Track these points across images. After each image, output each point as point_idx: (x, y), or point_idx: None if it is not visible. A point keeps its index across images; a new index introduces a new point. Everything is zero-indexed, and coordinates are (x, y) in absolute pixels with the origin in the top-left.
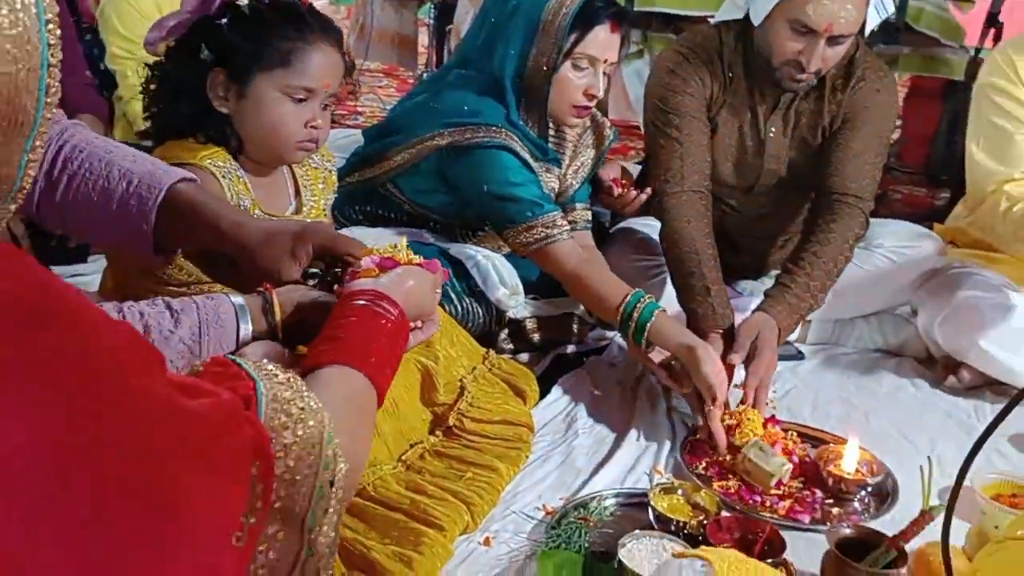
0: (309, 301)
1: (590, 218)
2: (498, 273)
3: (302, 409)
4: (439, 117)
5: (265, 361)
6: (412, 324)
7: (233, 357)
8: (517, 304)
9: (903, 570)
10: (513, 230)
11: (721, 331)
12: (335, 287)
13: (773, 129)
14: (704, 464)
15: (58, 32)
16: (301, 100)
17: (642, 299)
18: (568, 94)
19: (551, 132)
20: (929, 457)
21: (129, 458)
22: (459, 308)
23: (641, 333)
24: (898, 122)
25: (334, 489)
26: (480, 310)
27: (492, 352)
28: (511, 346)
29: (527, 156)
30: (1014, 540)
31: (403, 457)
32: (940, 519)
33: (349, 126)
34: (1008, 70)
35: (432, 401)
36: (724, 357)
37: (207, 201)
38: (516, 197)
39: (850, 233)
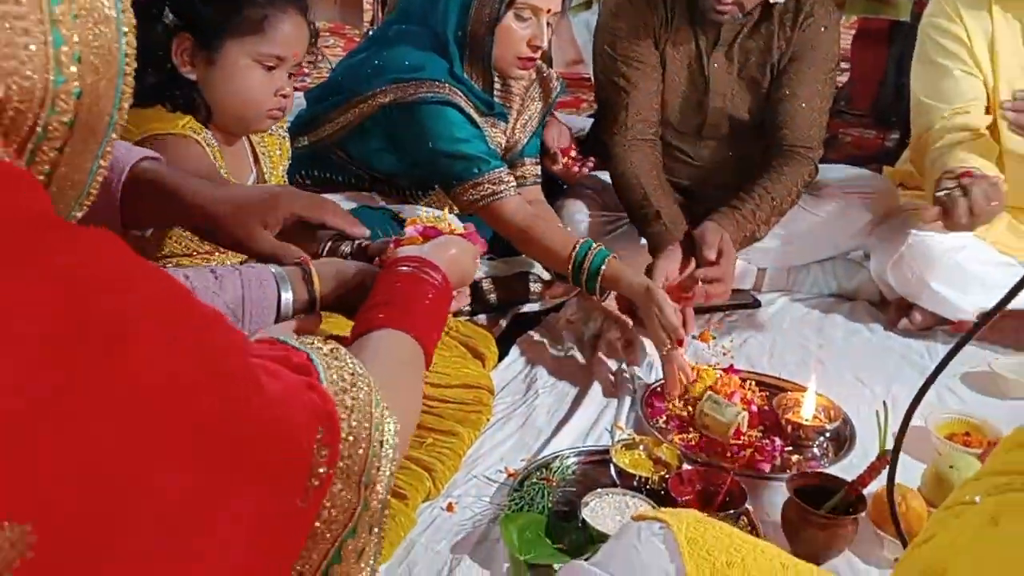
0: (350, 273)
1: (539, 173)
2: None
3: (352, 374)
4: (381, 75)
5: (305, 336)
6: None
7: (280, 336)
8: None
9: (862, 514)
10: (460, 187)
11: (678, 242)
12: (376, 258)
13: (716, 64)
14: (664, 418)
15: (134, 41)
16: (271, 68)
17: (592, 247)
18: (512, 45)
19: (497, 86)
20: (884, 402)
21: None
22: None
23: (594, 280)
24: (846, 65)
25: (384, 449)
26: None
27: (449, 315)
28: (468, 308)
29: (472, 111)
30: (964, 506)
31: None
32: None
33: (296, 88)
34: (948, 8)
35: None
36: (686, 263)
37: (171, 177)
38: (462, 154)
39: (799, 179)
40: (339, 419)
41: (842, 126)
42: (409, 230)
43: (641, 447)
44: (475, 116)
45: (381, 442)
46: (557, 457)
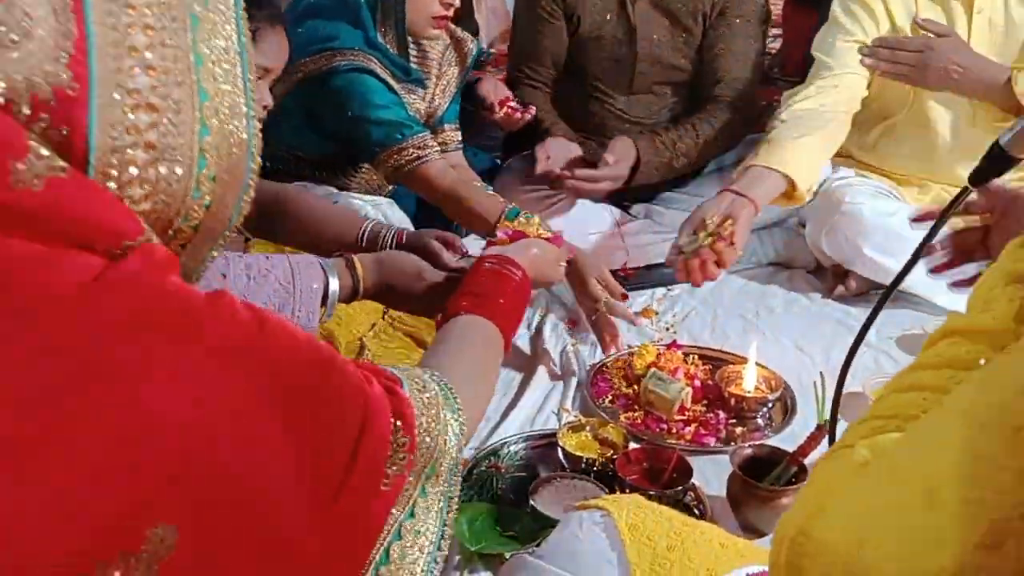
0: (393, 264)
1: (460, 139)
2: (388, 220)
3: (421, 378)
4: (294, 49)
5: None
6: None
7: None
8: None
9: (804, 484)
10: (384, 154)
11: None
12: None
13: (641, 10)
14: (610, 397)
15: (259, 160)
16: (257, 79)
17: (521, 213)
18: (425, 6)
19: (413, 52)
20: (821, 373)
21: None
22: None
23: None
24: (777, 31)
25: (448, 447)
26: None
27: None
28: None
29: (389, 78)
30: (844, 449)
31: None
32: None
33: None
34: None
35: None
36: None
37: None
38: (382, 120)
39: (731, 128)
40: (416, 415)
41: (776, 93)
42: (499, 234)
43: (587, 428)
44: (392, 83)
45: (446, 440)
46: (505, 444)
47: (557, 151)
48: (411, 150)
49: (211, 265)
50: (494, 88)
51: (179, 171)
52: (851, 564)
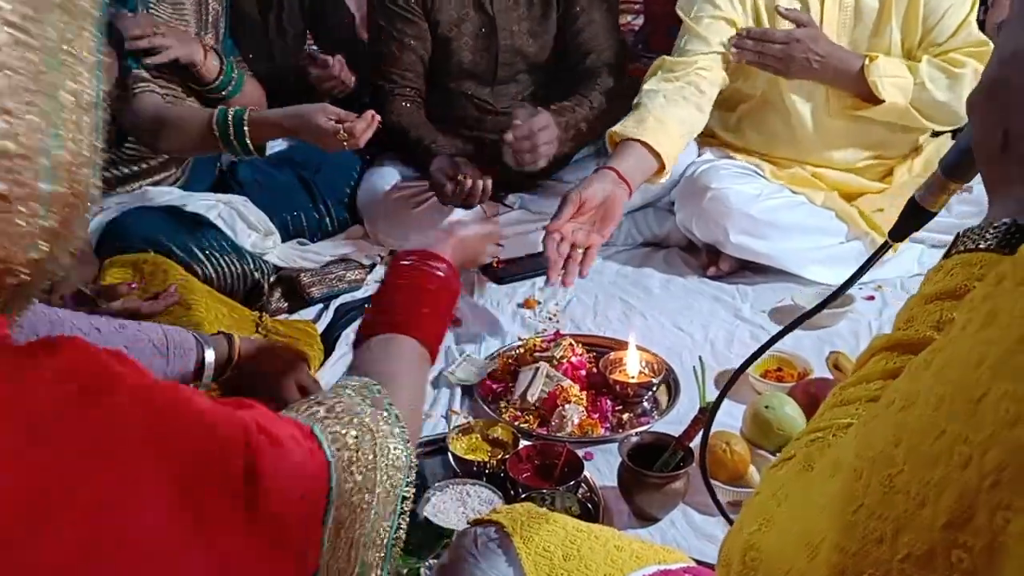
0: (264, 347)
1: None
2: (244, 219)
3: (349, 420)
4: None
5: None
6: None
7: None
8: (275, 246)
9: (692, 467)
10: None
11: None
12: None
13: (498, 4)
14: (497, 394)
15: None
16: None
17: (229, 110)
18: None
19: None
20: (700, 357)
21: None
22: (213, 270)
23: (242, 134)
24: (638, 5)
25: (389, 469)
26: (237, 265)
27: (265, 315)
28: (285, 305)
29: None
30: (784, 461)
31: None
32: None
33: None
34: None
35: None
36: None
37: None
38: None
39: (618, 93)
40: (340, 479)
41: (641, 72)
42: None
43: (476, 430)
44: None
45: (386, 465)
46: None
47: (443, 164)
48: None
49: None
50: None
51: (20, 222)
52: (804, 571)
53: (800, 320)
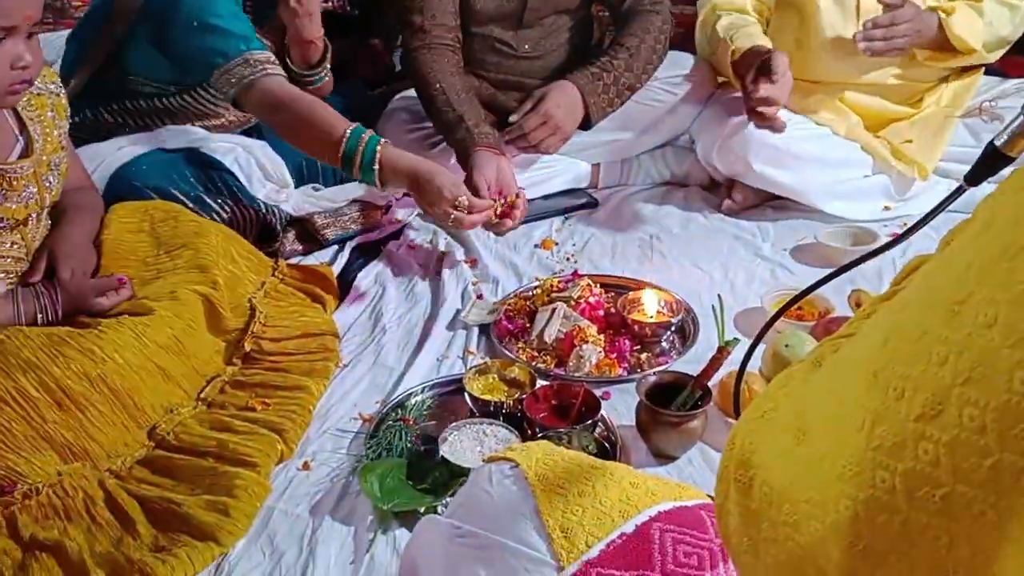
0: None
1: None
2: (261, 167)
3: None
4: None
5: None
6: None
7: None
8: (288, 198)
9: (709, 406)
10: (225, 68)
11: (488, 146)
12: None
13: None
14: (515, 334)
15: None
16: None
17: (364, 133)
18: None
19: None
20: (719, 295)
21: None
22: (226, 215)
23: (370, 167)
24: None
25: None
26: (250, 213)
27: (281, 262)
28: (300, 247)
29: None
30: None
31: (202, 395)
32: (738, 351)
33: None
34: None
35: (222, 329)
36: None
37: None
38: (224, 29)
39: (655, 30)
40: None
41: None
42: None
43: (494, 371)
44: None
45: None
46: (412, 394)
47: (487, 175)
48: (255, 63)
49: None
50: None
51: None
52: (792, 455)
53: (853, 264)
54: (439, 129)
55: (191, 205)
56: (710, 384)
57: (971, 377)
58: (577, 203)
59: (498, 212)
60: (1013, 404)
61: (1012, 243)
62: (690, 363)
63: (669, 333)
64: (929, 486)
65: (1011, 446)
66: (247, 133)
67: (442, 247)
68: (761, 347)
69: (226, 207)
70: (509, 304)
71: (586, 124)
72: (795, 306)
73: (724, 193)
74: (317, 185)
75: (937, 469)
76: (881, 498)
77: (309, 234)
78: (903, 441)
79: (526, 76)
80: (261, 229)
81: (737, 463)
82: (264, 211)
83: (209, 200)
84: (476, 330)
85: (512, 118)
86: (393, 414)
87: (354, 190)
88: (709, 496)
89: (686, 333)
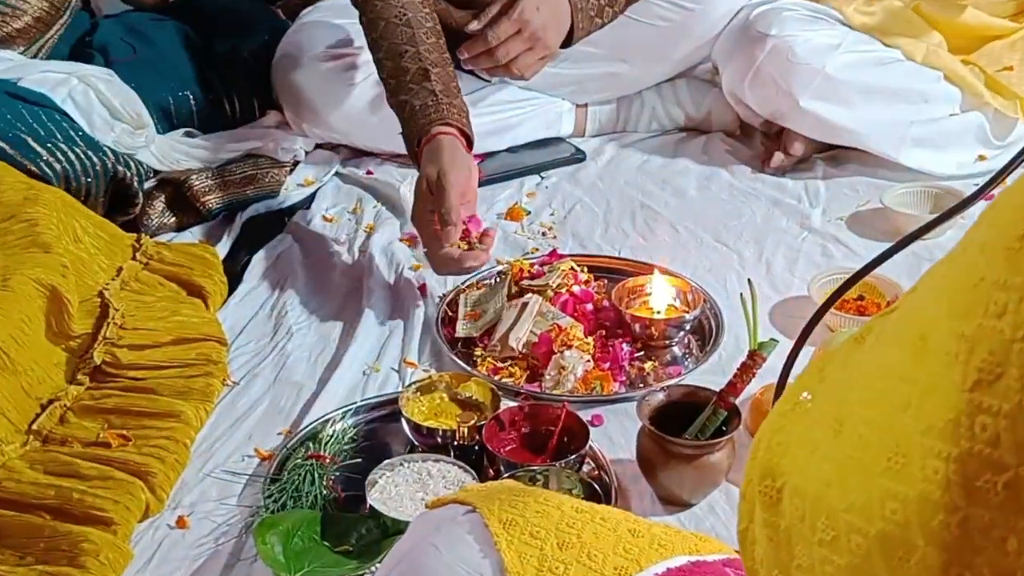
0: None
1: None
2: (105, 102)
3: None
4: None
5: None
6: None
7: None
8: (149, 142)
9: (737, 432)
10: None
11: (453, 128)
12: None
13: None
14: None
15: None
16: None
17: None
18: None
19: None
20: (750, 281)
21: None
22: (59, 168)
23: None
24: None
25: None
26: (93, 159)
27: (145, 237)
28: (171, 219)
29: None
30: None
31: (34, 426)
32: (776, 357)
33: None
34: None
35: (64, 333)
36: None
37: None
38: None
39: None
40: None
41: None
42: None
43: (442, 387)
44: None
45: None
46: (328, 421)
47: (459, 181)
48: None
49: None
50: None
51: None
52: (829, 451)
53: (928, 228)
54: (385, 76)
55: (12, 154)
56: (737, 402)
57: None
58: (558, 158)
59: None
60: None
61: None
62: (711, 374)
63: (683, 334)
64: (990, 472)
65: None
66: (81, 57)
67: (369, 220)
68: (808, 351)
69: (59, 157)
70: (466, 298)
71: (568, 40)
72: (852, 294)
73: (768, 143)
74: (192, 131)
75: (998, 449)
76: (934, 495)
77: (184, 201)
78: (957, 418)
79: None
80: (113, 192)
81: (762, 472)
82: (115, 161)
83: (38, 147)
84: (417, 330)
85: (471, 26)
86: (302, 449)
87: (245, 139)
88: (736, 551)
89: (706, 334)
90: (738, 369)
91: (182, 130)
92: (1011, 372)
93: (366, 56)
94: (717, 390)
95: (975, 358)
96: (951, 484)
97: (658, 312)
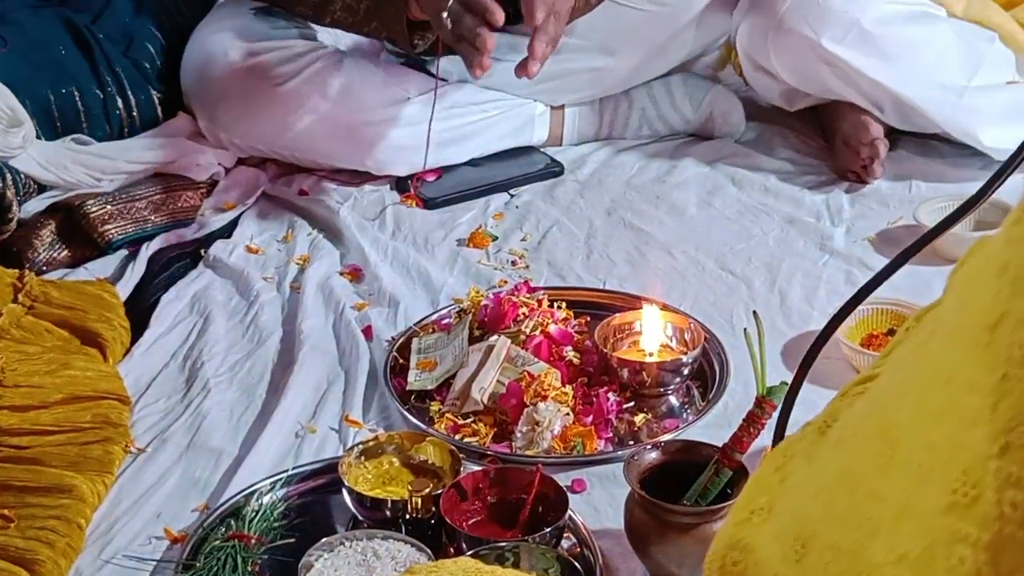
0: None
1: None
2: None
3: None
4: None
5: None
6: None
7: None
8: (26, 143)
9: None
10: None
11: None
12: None
13: None
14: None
15: None
16: None
17: None
18: None
19: None
20: (755, 313)
21: None
22: None
23: None
24: None
25: None
26: None
27: (30, 274)
28: (66, 253)
29: None
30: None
31: None
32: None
33: None
34: None
35: None
36: None
37: None
38: None
39: None
40: None
41: None
42: None
43: (391, 449)
44: None
45: None
46: (253, 494)
47: None
48: None
49: None
50: None
51: None
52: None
53: (912, 251)
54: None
55: None
56: (744, 459)
57: None
58: (530, 172)
59: None
60: None
61: None
62: (716, 427)
63: (680, 380)
64: None
65: None
66: None
67: (303, 250)
68: (830, 394)
69: None
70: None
71: None
72: (882, 327)
73: (851, 155)
74: (83, 138)
75: None
76: (1016, 534)
77: (79, 231)
78: (932, 547)
79: None
80: None
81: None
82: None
83: None
84: (361, 381)
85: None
86: (222, 529)
87: (150, 150)
88: None
89: (708, 379)
90: (744, 420)
91: (70, 137)
92: (987, 496)
93: (295, 46)
94: (720, 446)
95: (948, 475)
96: None
97: (650, 354)
